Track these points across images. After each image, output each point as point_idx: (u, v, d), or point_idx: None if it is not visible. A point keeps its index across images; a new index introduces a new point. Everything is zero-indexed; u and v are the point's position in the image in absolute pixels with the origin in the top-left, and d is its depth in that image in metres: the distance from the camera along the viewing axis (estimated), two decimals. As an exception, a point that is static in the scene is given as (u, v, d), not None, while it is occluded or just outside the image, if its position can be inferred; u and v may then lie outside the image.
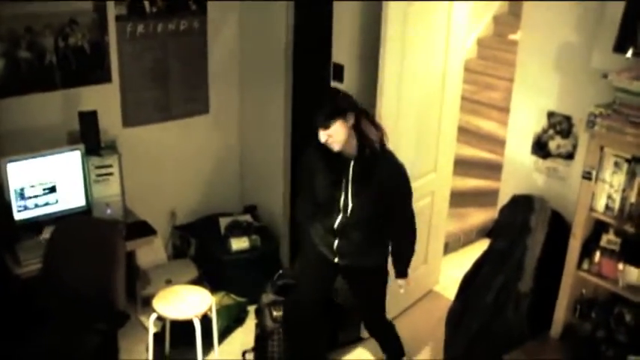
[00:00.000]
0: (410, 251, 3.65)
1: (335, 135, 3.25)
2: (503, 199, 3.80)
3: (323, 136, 3.26)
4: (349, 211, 3.44)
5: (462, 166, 5.58)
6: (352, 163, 3.36)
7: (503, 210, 3.66)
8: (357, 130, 3.31)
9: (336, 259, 3.59)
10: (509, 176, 3.93)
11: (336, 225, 3.50)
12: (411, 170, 4.23)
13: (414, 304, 4.86)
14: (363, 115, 3.36)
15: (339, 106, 3.28)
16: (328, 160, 3.38)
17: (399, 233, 3.62)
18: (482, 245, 4.34)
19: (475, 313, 3.47)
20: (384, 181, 3.37)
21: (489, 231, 5.28)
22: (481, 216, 5.77)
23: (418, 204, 4.44)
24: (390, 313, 4.58)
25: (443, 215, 4.90)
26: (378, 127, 3.41)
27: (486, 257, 3.59)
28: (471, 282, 3.62)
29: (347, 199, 3.43)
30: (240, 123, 5.37)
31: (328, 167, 3.42)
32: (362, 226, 3.48)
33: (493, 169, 5.31)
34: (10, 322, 4.06)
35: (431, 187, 4.58)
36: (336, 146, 3.29)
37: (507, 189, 3.87)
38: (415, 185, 4.31)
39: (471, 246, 5.58)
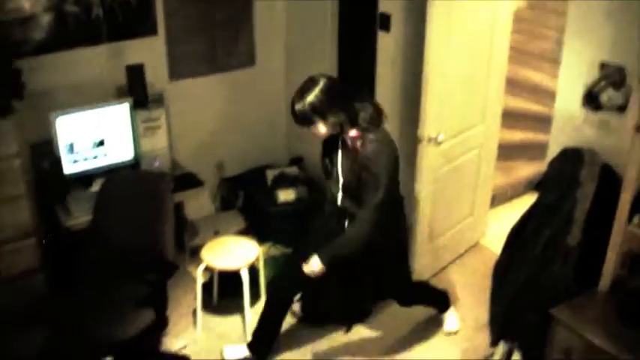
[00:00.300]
0: (340, 246, 3.42)
1: (315, 132, 3.32)
2: (553, 152, 3.73)
3: None
4: (343, 187, 3.45)
5: (510, 118, 5.48)
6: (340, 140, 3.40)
7: (553, 163, 3.60)
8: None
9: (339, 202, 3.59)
10: (559, 129, 3.84)
11: (339, 202, 3.51)
12: (459, 122, 4.21)
13: (460, 257, 4.86)
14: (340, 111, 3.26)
15: (310, 112, 3.23)
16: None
17: (352, 222, 3.49)
18: (529, 199, 4.28)
19: (522, 265, 3.45)
20: (362, 161, 3.31)
21: (537, 184, 5.22)
22: (529, 169, 5.69)
23: (466, 156, 4.43)
24: (435, 266, 4.61)
25: (490, 168, 4.85)
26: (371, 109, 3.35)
27: (534, 210, 3.55)
28: (518, 235, 3.59)
29: (338, 176, 3.45)
30: (286, 75, 5.35)
31: (328, 140, 3.46)
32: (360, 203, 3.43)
33: (542, 122, 5.22)
34: (60, 273, 4.17)
35: (478, 140, 4.53)
36: (319, 138, 3.40)
37: (557, 142, 3.79)
38: (463, 137, 4.31)
39: (518, 199, 5.51)
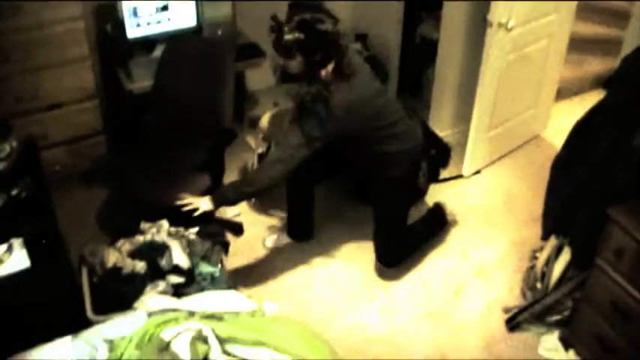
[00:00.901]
0: (232, 189, 3.35)
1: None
2: (628, 49, 3.57)
3: None
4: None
5: (586, 9, 5.25)
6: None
7: (627, 60, 3.45)
8: None
9: None
10: (637, 25, 3.67)
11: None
12: (531, 9, 4.05)
13: (519, 148, 4.79)
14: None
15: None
16: None
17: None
18: (597, 95, 4.17)
19: (582, 162, 3.38)
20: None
21: (606, 81, 5.06)
22: (600, 65, 5.49)
23: (535, 45, 4.28)
24: (492, 155, 4.56)
25: (559, 60, 4.68)
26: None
27: (601, 107, 3.44)
28: (581, 131, 3.50)
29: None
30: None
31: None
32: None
33: (620, 17, 5.00)
34: (121, 136, 4.26)
35: (550, 29, 4.35)
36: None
37: (633, 38, 3.63)
38: (534, 25, 4.15)
39: (584, 95, 5.33)
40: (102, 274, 3.14)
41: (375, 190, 3.70)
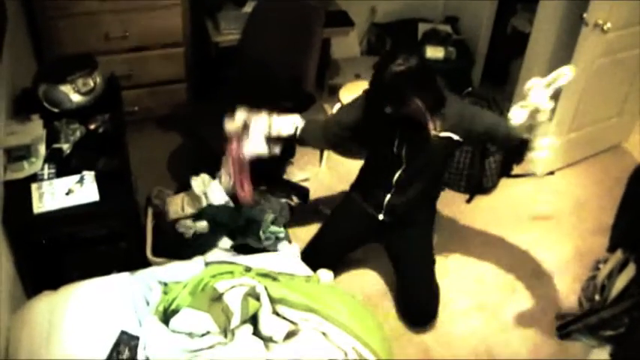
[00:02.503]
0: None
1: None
2: None
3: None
4: (407, 163, 3.24)
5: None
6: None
7: None
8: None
9: (381, 216, 3.43)
10: None
11: (395, 178, 3.30)
12: (633, 13, 3.90)
13: (596, 155, 4.66)
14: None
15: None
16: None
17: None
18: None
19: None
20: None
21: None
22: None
23: (630, 52, 4.15)
24: (566, 159, 4.46)
25: (654, 69, 4.53)
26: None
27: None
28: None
29: (402, 151, 3.19)
30: None
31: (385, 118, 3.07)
32: (419, 178, 3.30)
33: None
34: (202, 85, 4.30)
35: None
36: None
37: None
38: (633, 31, 4.01)
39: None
40: (165, 223, 3.21)
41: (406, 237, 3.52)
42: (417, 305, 3.46)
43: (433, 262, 3.54)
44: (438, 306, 3.48)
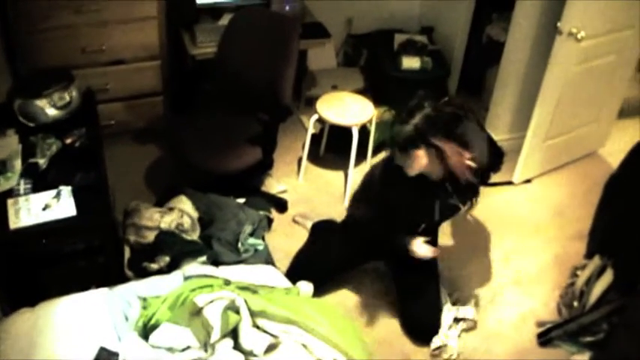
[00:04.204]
0: None
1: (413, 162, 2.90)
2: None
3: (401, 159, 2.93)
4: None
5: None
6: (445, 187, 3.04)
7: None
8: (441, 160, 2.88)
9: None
10: None
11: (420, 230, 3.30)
12: (605, 22, 3.95)
13: (573, 162, 4.70)
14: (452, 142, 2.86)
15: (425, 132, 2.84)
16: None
17: None
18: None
19: (638, 184, 3.31)
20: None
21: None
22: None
23: (604, 59, 4.19)
24: (544, 166, 4.49)
25: (625, 77, 4.56)
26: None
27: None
28: (640, 153, 3.42)
29: (433, 214, 3.18)
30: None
31: (413, 184, 3.01)
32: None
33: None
34: (179, 99, 4.29)
35: (620, 45, 4.22)
36: (410, 172, 2.94)
37: None
38: (606, 39, 4.06)
39: (648, 115, 5.23)
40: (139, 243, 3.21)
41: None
42: (420, 322, 3.45)
43: (437, 275, 3.55)
44: (440, 320, 3.47)
